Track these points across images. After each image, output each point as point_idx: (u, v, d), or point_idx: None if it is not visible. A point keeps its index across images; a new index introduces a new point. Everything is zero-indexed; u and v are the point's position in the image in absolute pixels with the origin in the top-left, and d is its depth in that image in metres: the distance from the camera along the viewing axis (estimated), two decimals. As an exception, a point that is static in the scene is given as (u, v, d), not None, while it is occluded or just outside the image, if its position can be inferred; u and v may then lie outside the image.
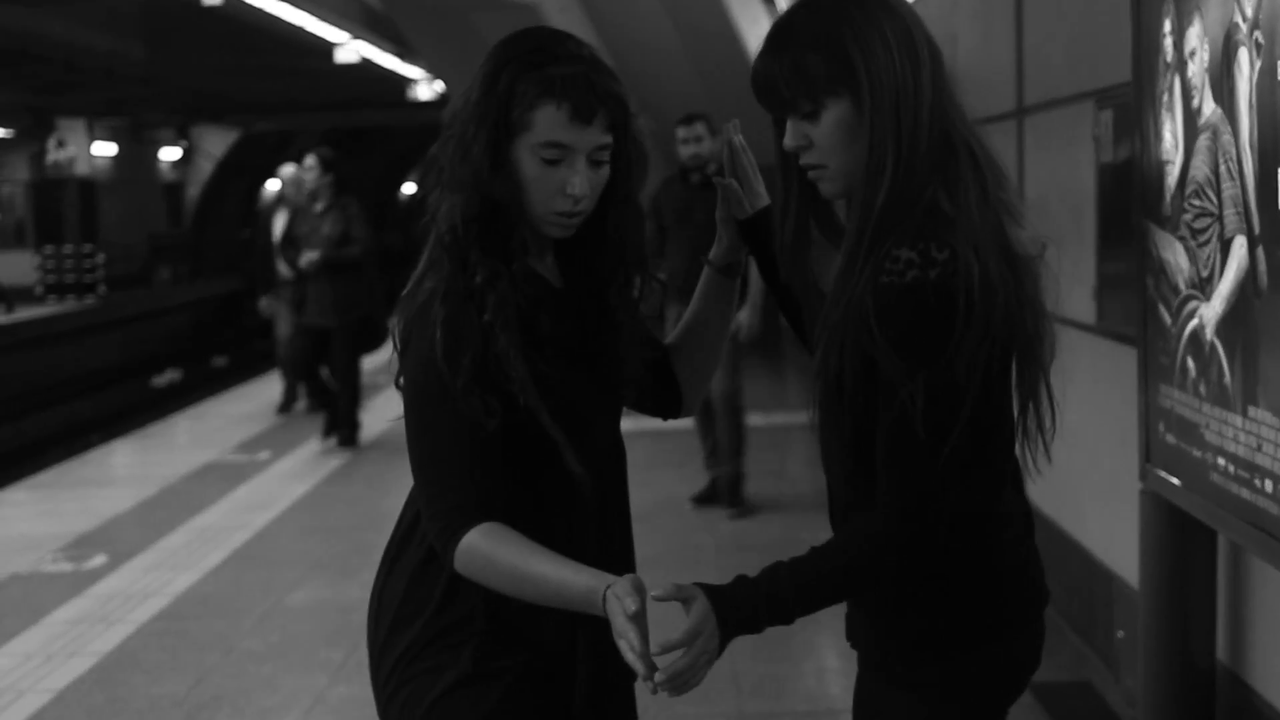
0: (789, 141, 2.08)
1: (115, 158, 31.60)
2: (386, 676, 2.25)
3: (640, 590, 1.95)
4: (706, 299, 2.44)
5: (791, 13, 2.10)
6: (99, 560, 7.00)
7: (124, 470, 8.56)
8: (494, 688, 2.18)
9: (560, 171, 2.12)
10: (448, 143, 2.18)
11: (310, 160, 9.83)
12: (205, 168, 33.91)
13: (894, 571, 2.01)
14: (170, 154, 33.58)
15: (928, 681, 2.10)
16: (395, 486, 8.64)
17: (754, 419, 10.54)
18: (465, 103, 2.16)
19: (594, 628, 2.14)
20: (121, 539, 7.45)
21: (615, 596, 1.95)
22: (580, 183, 2.12)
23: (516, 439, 2.14)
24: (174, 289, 30.77)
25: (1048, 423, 2.09)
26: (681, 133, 7.40)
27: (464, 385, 2.08)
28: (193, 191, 34.30)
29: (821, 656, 5.37)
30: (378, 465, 9.24)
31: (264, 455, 9.69)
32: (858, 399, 2.01)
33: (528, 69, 2.11)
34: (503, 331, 2.10)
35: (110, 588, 6.54)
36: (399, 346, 2.19)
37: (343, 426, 9.84)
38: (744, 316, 7.33)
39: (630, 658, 1.91)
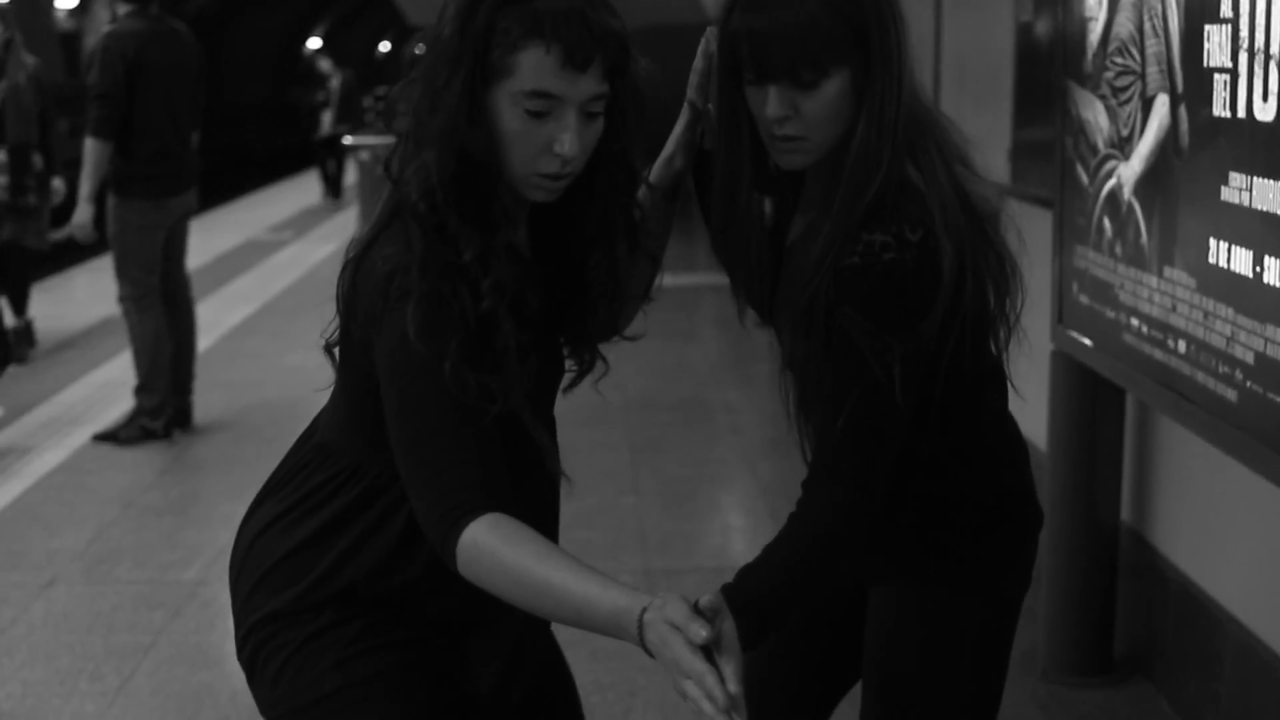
0: (775, 110, 1.88)
1: (8, 5, 30.73)
2: (246, 633, 2.01)
3: (698, 613, 1.62)
4: (645, 221, 2.10)
5: None
6: (-5, 413, 6.89)
7: (20, 323, 8.36)
8: (356, 625, 1.92)
9: (547, 126, 1.78)
10: (412, 87, 1.84)
11: None
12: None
13: (858, 539, 1.92)
14: (67, 2, 32.70)
15: (988, 585, 2.13)
16: (300, 341, 8.55)
17: (663, 280, 10.50)
18: (435, 39, 1.81)
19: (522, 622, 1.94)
20: (19, 392, 7.31)
21: (668, 624, 1.59)
22: (571, 140, 1.78)
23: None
24: (71, 141, 30.12)
25: (1013, 364, 2.18)
26: None
27: (452, 368, 1.73)
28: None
29: (727, 515, 5.39)
30: (280, 319, 9.12)
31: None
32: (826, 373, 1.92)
33: (510, 2, 1.76)
34: (505, 321, 1.78)
35: (7, 441, 6.43)
36: (343, 308, 1.87)
37: None
38: None
39: (707, 708, 1.55)
